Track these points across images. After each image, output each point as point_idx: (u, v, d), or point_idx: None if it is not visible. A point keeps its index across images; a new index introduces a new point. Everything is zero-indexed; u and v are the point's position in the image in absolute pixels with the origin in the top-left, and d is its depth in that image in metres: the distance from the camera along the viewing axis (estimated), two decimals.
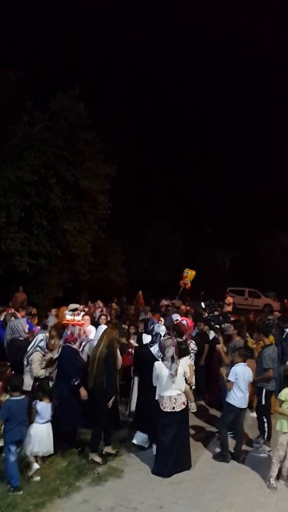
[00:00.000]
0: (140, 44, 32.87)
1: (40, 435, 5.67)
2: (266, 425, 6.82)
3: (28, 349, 6.76)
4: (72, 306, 9.69)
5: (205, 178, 32.61)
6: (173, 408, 5.93)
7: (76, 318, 8.14)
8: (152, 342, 6.81)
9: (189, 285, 16.32)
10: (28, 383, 6.45)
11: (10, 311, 9.87)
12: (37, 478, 5.49)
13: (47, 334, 7.41)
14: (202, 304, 13.68)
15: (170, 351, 6.11)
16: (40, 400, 5.84)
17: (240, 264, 32.64)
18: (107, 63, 32.11)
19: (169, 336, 6.84)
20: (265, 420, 6.84)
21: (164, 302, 15.89)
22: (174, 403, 5.94)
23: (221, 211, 32.53)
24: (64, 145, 17.39)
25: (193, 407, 6.22)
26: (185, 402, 6.06)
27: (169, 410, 5.92)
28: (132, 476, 5.79)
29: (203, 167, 32.80)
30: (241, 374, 6.32)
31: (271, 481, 5.58)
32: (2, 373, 6.43)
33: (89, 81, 24.91)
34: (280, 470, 5.68)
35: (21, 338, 7.60)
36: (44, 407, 5.79)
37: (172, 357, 6.05)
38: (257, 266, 30.98)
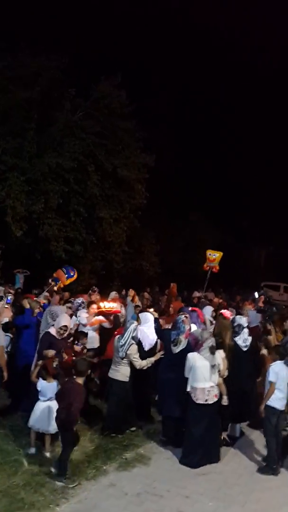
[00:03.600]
0: (189, 36, 32.37)
1: (42, 413, 5.66)
2: None
3: (123, 341, 6.50)
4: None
5: (243, 171, 31.99)
6: (206, 400, 5.88)
7: (113, 305, 8.24)
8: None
9: (218, 267, 15.42)
10: (126, 373, 6.49)
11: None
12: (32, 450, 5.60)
13: None
14: (256, 294, 13.51)
15: (210, 342, 6.06)
16: (43, 379, 5.78)
17: (276, 259, 32.03)
18: (152, 52, 31.69)
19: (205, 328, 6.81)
20: None
21: (197, 294, 15.75)
22: (207, 395, 5.90)
23: (258, 204, 31.93)
24: (104, 133, 17.42)
25: (225, 400, 6.12)
26: (217, 395, 5.99)
27: (201, 402, 5.88)
28: (159, 464, 5.81)
29: (242, 159, 32.17)
30: (281, 372, 5.96)
31: None
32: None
33: (132, 69, 24.74)
34: None
35: None
36: (45, 385, 5.74)
37: (212, 348, 6.00)
38: None
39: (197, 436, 5.85)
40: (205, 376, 5.89)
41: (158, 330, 7.46)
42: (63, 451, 5.18)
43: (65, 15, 27.32)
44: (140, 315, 7.60)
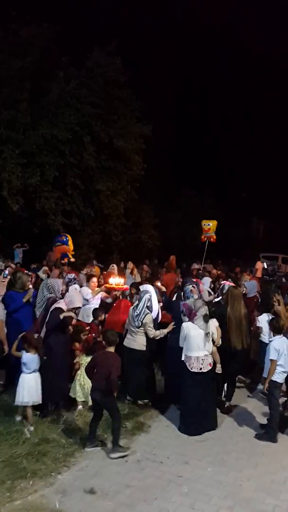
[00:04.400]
0: (187, 4, 31.36)
1: (29, 385, 5.66)
2: None
3: (138, 310, 6.63)
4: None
5: (243, 143, 31.54)
6: (200, 368, 5.95)
7: (119, 281, 8.21)
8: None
9: (215, 237, 15.30)
10: (142, 342, 6.62)
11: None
12: (31, 429, 5.54)
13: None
14: (265, 264, 13.48)
15: (203, 310, 6.09)
16: (27, 352, 5.76)
17: (275, 230, 31.95)
18: (148, 19, 30.75)
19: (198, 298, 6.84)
20: None
21: (195, 266, 15.77)
22: (202, 364, 5.96)
23: (256, 176, 31.62)
24: (99, 102, 17.10)
25: (218, 368, 6.21)
26: (212, 363, 6.06)
27: (196, 371, 5.95)
28: (159, 432, 5.92)
29: (241, 131, 31.66)
30: (282, 349, 5.89)
31: None
32: (78, 334, 6.57)
33: (127, 37, 24.02)
34: None
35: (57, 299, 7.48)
36: (30, 358, 5.73)
37: (205, 317, 6.04)
38: None
39: (193, 404, 5.93)
40: (199, 345, 5.95)
41: (167, 301, 7.58)
42: (115, 420, 5.29)
43: None
44: (141, 287, 7.60)
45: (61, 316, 6.12)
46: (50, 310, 6.28)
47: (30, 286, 7.25)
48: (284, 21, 31.38)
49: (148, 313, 6.66)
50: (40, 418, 5.84)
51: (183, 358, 6.06)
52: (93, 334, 6.75)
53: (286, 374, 6.01)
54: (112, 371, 5.13)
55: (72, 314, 6.58)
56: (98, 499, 4.42)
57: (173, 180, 26.88)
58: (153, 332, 6.61)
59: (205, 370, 5.97)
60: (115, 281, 8.01)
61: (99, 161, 16.91)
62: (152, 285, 7.95)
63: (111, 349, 5.39)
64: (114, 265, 10.84)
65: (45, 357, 5.92)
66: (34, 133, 15.39)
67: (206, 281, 10.23)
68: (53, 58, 16.80)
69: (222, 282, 8.52)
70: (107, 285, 8.03)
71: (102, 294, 8.09)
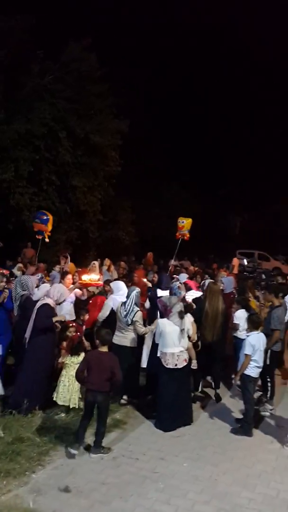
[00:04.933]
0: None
1: None
2: (269, 384, 6.85)
3: (127, 307, 6.57)
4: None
5: (221, 139, 31.66)
6: (176, 365, 5.95)
7: (94, 277, 8.13)
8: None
9: (188, 235, 15.33)
10: (133, 339, 6.63)
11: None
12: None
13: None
14: (245, 261, 13.54)
15: (178, 307, 6.09)
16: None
17: (252, 227, 32.34)
18: (124, 13, 30.51)
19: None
20: (269, 379, 6.87)
21: (173, 262, 15.80)
22: (177, 360, 5.96)
23: (234, 173, 31.87)
24: (75, 97, 16.88)
25: (194, 364, 6.23)
26: (187, 359, 6.07)
27: (171, 367, 5.94)
28: (135, 429, 5.89)
29: (219, 127, 31.77)
30: (257, 344, 5.93)
31: None
32: (63, 332, 6.46)
33: (104, 32, 23.83)
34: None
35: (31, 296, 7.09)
36: None
37: (181, 313, 6.04)
38: (268, 230, 30.69)
39: (168, 400, 5.92)
40: (174, 341, 5.94)
41: (154, 297, 7.51)
42: (104, 422, 5.20)
43: None
44: (112, 284, 7.61)
45: (54, 320, 6.21)
46: (37, 307, 6.18)
47: (6, 287, 7.08)
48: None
49: (138, 310, 6.63)
50: (15, 416, 5.72)
51: (158, 355, 6.06)
52: (78, 333, 6.63)
53: (261, 370, 6.06)
54: (115, 372, 5.04)
55: (62, 317, 6.62)
56: (73, 497, 4.36)
57: (151, 176, 26.82)
58: (143, 329, 6.59)
59: (180, 366, 5.97)
60: (90, 277, 7.93)
61: (75, 156, 16.72)
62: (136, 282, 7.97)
63: (105, 348, 5.23)
64: (95, 262, 10.71)
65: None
66: (8, 128, 15.10)
67: (183, 278, 10.24)
68: (27, 52, 16.48)
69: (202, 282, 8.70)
70: (81, 281, 7.92)
71: (77, 292, 7.99)
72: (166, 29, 31.66)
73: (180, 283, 7.26)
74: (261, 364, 6.01)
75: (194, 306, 7.13)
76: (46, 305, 6.24)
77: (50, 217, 11.68)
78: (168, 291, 7.39)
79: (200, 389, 7.05)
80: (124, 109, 18.82)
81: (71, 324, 6.67)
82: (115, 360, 5.16)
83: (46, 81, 16.71)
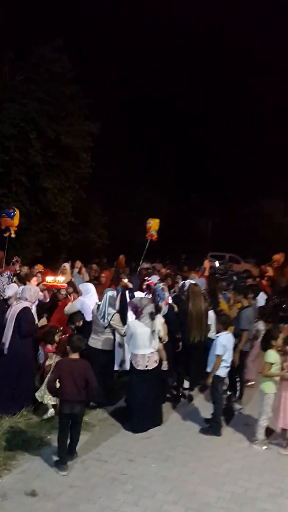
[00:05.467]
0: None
1: None
2: (238, 384, 6.92)
3: (101, 310, 6.51)
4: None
5: (192, 143, 31.97)
6: (146, 366, 5.93)
7: (60, 278, 8.01)
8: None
9: (156, 236, 15.30)
10: (109, 342, 6.59)
11: None
12: None
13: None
14: (216, 263, 13.58)
15: (149, 308, 6.08)
16: None
17: (222, 230, 32.75)
18: (96, 13, 30.52)
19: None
20: (238, 379, 6.94)
21: (145, 265, 15.81)
22: (147, 361, 5.94)
23: (205, 177, 32.23)
24: (46, 98, 16.68)
25: (164, 365, 6.22)
26: (158, 360, 6.06)
27: (142, 368, 5.92)
28: (103, 431, 5.84)
29: (190, 131, 32.09)
30: (228, 344, 5.99)
31: (259, 444, 5.59)
32: (50, 335, 6.39)
33: (75, 32, 23.74)
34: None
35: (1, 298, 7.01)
36: None
37: (151, 314, 6.03)
38: (239, 233, 31.16)
39: (139, 402, 5.90)
40: (145, 342, 5.93)
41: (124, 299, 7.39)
42: (78, 431, 5.03)
43: None
44: (81, 286, 7.55)
45: (39, 325, 6.27)
46: (15, 311, 6.09)
47: None
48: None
49: (115, 312, 6.59)
50: None
51: (128, 357, 6.03)
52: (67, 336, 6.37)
53: (229, 369, 6.11)
54: (89, 380, 4.85)
55: (44, 321, 6.56)
56: (40, 501, 4.29)
57: (123, 178, 26.80)
58: (123, 330, 6.46)
59: (151, 368, 5.96)
60: (54, 278, 7.83)
61: (46, 158, 16.50)
62: (119, 282, 7.92)
63: (76, 355, 5.00)
64: (66, 264, 10.56)
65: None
66: None
67: (154, 279, 10.26)
68: None
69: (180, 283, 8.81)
70: (45, 283, 7.80)
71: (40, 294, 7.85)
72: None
73: (164, 284, 7.33)
74: (229, 363, 6.06)
75: (176, 308, 7.17)
76: (27, 309, 6.16)
77: (17, 211, 11.40)
78: (136, 292, 7.42)
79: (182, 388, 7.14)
80: (96, 111, 18.75)
81: (61, 328, 6.64)
82: (88, 367, 4.96)
83: (16, 81, 16.48)
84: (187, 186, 32.39)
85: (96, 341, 6.57)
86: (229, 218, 33.03)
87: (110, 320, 6.50)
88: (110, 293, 6.74)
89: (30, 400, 6.03)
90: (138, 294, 7.31)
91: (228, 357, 6.01)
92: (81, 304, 7.06)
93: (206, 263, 17.38)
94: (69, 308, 7.14)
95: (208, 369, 6.09)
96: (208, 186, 32.17)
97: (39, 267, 10.11)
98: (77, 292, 7.80)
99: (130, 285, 8.80)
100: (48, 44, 17.17)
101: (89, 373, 4.91)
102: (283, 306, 9.67)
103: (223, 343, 5.96)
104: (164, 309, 6.80)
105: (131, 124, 28.11)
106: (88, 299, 7.10)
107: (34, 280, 7.61)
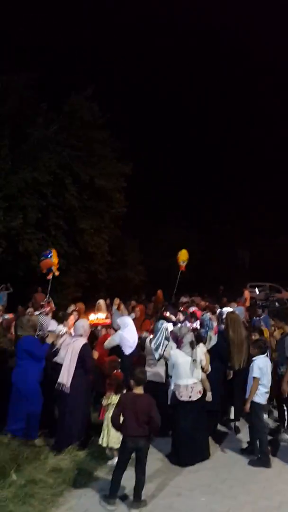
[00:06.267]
0: (152, 43, 32.74)
1: None
2: (286, 413, 6.71)
3: (156, 342, 6.65)
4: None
5: (224, 175, 32.25)
6: (190, 397, 5.87)
7: (100, 316, 8.20)
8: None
9: (184, 267, 15.09)
10: (161, 374, 6.70)
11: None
12: None
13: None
14: (256, 290, 13.54)
15: (189, 337, 6.09)
16: None
17: (261, 260, 32.31)
18: (121, 61, 31.97)
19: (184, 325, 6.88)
20: (285, 408, 6.73)
21: (184, 299, 15.77)
22: (191, 392, 5.88)
23: (240, 206, 32.26)
24: (79, 145, 17.44)
25: (209, 396, 6.13)
26: (201, 391, 5.98)
27: (185, 399, 5.86)
28: (150, 465, 5.69)
29: (221, 161, 32.43)
30: (264, 368, 5.96)
31: None
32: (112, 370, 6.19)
33: (102, 81, 24.96)
34: None
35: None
36: None
37: (192, 343, 6.03)
38: (278, 261, 30.63)
39: (185, 434, 5.81)
40: (187, 372, 5.89)
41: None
42: (144, 469, 4.86)
43: (32, 29, 27.45)
44: (119, 320, 7.63)
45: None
46: (76, 347, 6.03)
47: None
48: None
49: (168, 344, 6.66)
50: (27, 458, 5.64)
51: (172, 387, 6.00)
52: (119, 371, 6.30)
53: (268, 395, 5.97)
54: (152, 415, 4.73)
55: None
56: None
57: (157, 214, 27.22)
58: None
59: (195, 399, 5.89)
60: (96, 316, 8.01)
61: (81, 200, 17.09)
62: (162, 317, 7.99)
63: (140, 389, 4.91)
64: (101, 300, 10.73)
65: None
66: (15, 177, 15.57)
67: None
68: (32, 104, 17.27)
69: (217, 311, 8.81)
70: (89, 321, 7.96)
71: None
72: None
73: (211, 313, 7.59)
74: (268, 389, 5.93)
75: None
76: (87, 345, 6.21)
77: (54, 251, 11.67)
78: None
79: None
80: (126, 152, 19.38)
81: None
82: (152, 404, 4.82)
83: (50, 131, 17.37)
84: (220, 217, 32.35)
85: (149, 374, 6.56)
86: (267, 248, 32.61)
87: (163, 352, 6.56)
88: (165, 325, 6.83)
89: (80, 437, 6.01)
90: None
91: (266, 382, 5.89)
92: (120, 338, 7.13)
93: (246, 293, 17.18)
94: (108, 342, 7.23)
95: (246, 396, 5.97)
96: (242, 217, 32.09)
97: (78, 306, 10.28)
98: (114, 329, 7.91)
99: (173, 318, 8.88)
100: (79, 94, 18.12)
101: (153, 410, 4.77)
102: None
103: (260, 366, 5.89)
104: (214, 338, 6.81)
105: (161, 160, 28.72)
106: (126, 333, 7.18)
107: (71, 319, 7.78)
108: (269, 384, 5.94)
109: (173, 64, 33.54)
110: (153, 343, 6.69)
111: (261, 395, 5.86)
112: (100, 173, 17.74)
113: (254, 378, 5.86)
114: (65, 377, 5.99)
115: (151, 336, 6.95)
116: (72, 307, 10.06)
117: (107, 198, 18.38)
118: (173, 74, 33.28)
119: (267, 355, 6.19)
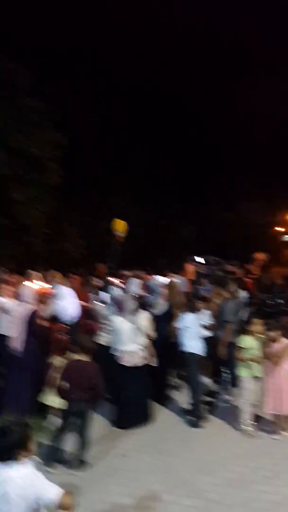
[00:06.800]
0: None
1: None
2: (226, 375, 6.92)
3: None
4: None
5: (167, 151, 32.12)
6: (134, 363, 5.87)
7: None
8: None
9: (123, 237, 14.82)
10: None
11: None
12: None
13: None
14: (202, 259, 13.48)
15: (131, 304, 6.03)
16: None
17: (204, 236, 32.87)
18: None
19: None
20: (223, 370, 6.93)
21: (125, 272, 15.70)
22: (135, 358, 5.88)
23: (180, 183, 32.42)
24: (13, 111, 16.56)
25: (153, 361, 6.16)
26: (146, 357, 6.00)
27: (129, 365, 5.85)
28: (95, 429, 5.58)
29: (166, 138, 32.24)
30: (189, 323, 6.09)
31: (246, 427, 5.60)
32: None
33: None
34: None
35: None
36: None
37: (134, 310, 5.98)
38: (221, 238, 31.37)
39: (129, 399, 5.81)
40: (130, 338, 5.87)
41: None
42: (87, 432, 4.84)
43: None
44: (56, 289, 7.40)
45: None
46: (25, 314, 5.98)
47: None
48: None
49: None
50: None
51: (116, 353, 5.96)
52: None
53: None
54: (96, 382, 4.72)
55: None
56: None
57: (98, 187, 26.65)
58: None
59: (140, 365, 5.89)
60: (45, 285, 7.79)
61: (14, 169, 16.29)
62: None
63: (85, 356, 4.87)
64: (30, 270, 10.37)
65: None
66: None
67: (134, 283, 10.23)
68: None
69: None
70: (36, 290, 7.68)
71: None
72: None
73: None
74: (199, 342, 6.13)
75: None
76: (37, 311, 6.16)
77: None
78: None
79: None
80: (65, 122, 18.67)
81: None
82: (96, 370, 4.80)
83: None
84: (164, 193, 32.34)
85: (106, 340, 6.53)
86: (209, 224, 33.18)
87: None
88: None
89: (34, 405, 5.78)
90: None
91: (195, 335, 6.04)
92: (58, 307, 6.94)
93: (187, 266, 17.35)
94: (46, 311, 7.03)
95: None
96: (186, 192, 32.26)
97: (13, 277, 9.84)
98: None
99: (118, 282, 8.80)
100: (11, 59, 17.02)
101: (97, 377, 4.76)
102: (268, 302, 9.70)
103: (185, 320, 6.08)
104: (163, 304, 6.88)
105: (106, 132, 28.03)
106: (64, 303, 7.04)
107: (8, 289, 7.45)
108: (200, 339, 6.08)
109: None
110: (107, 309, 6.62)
111: (192, 347, 5.98)
112: (35, 141, 17.00)
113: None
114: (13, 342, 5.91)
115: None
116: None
117: (42, 168, 17.69)
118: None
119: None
